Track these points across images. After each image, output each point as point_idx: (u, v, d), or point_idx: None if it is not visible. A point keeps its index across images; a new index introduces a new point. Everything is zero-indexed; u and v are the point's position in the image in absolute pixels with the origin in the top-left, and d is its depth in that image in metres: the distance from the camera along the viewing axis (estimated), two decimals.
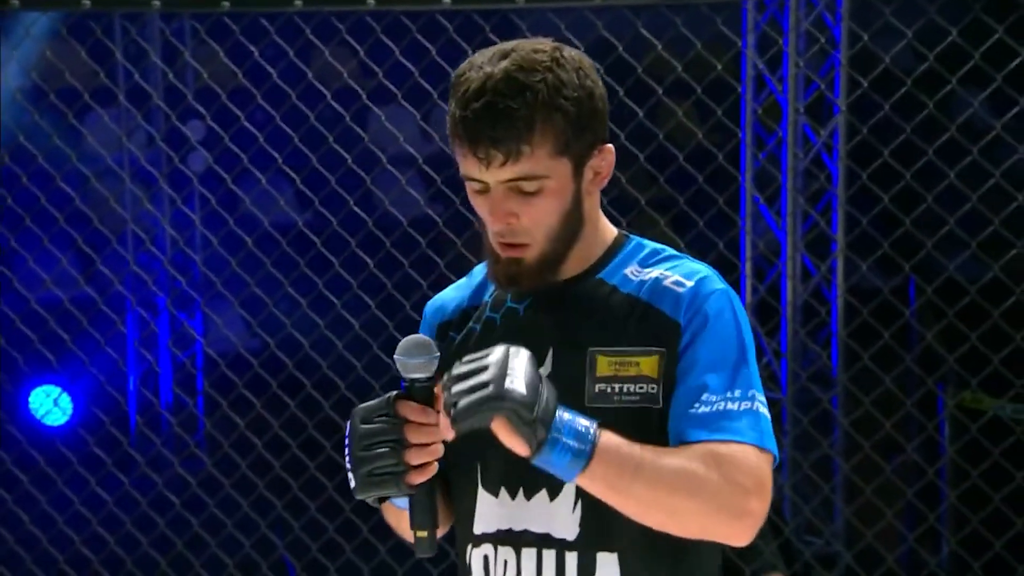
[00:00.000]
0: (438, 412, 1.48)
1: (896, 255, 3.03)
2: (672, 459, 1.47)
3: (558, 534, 1.56)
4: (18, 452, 3.20)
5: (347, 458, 1.51)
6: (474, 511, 1.61)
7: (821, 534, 3.43)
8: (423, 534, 1.52)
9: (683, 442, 1.49)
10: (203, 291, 3.85)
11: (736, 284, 3.22)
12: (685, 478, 1.46)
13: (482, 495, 1.60)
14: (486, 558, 1.61)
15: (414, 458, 1.48)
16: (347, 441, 1.52)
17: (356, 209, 3.14)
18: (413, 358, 1.49)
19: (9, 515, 3.20)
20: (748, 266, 3.28)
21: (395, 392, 1.51)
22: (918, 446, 3.28)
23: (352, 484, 1.51)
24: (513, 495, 1.57)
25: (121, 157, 3.82)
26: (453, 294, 1.69)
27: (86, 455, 3.22)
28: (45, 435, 4.22)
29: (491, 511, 1.60)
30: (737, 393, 1.50)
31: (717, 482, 1.46)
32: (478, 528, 1.61)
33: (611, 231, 1.64)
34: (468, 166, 1.53)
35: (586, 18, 3.05)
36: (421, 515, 1.52)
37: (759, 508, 1.49)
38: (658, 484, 1.46)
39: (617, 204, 3.06)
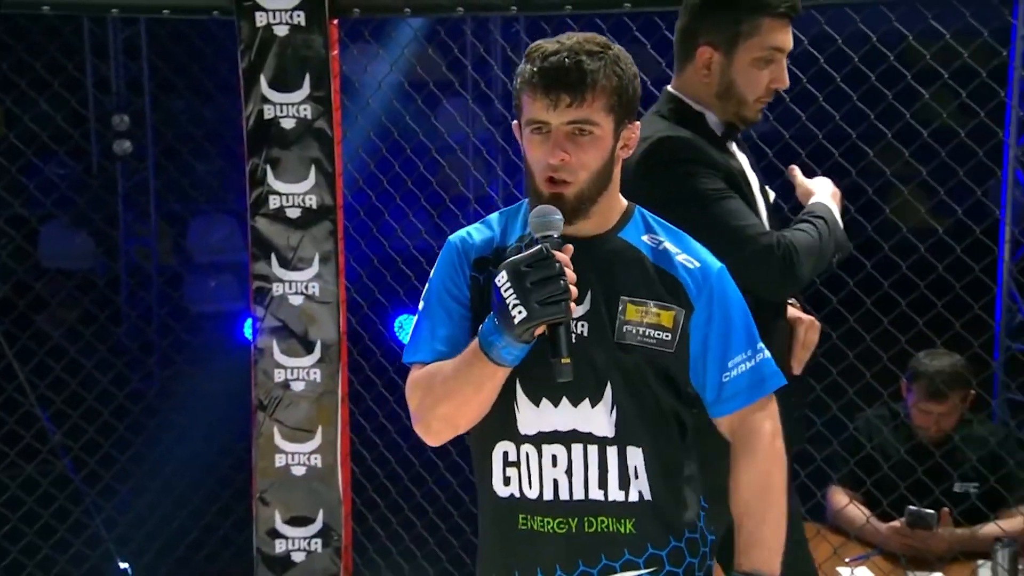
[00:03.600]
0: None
1: None
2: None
3: (600, 432, 1.79)
4: (397, 364, 3.64)
5: (512, 295, 1.67)
6: (514, 414, 1.80)
7: None
8: (567, 360, 1.69)
9: (729, 404, 1.85)
10: None
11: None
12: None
13: (523, 403, 1.80)
14: (529, 455, 1.81)
15: (572, 290, 1.67)
16: (507, 283, 1.68)
17: None
18: (553, 216, 1.71)
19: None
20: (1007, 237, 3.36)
21: (542, 244, 1.69)
22: None
23: (521, 316, 1.66)
24: (556, 403, 1.78)
25: (462, 137, 4.20)
26: (479, 235, 1.87)
27: None
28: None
29: (535, 416, 1.80)
30: (748, 352, 1.86)
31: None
32: (524, 429, 1.80)
33: (624, 201, 1.87)
34: (536, 110, 1.73)
35: (880, 13, 3.05)
36: (568, 344, 1.69)
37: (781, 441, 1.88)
38: None
39: (890, 177, 3.23)
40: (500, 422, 1.83)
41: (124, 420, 3.94)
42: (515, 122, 1.84)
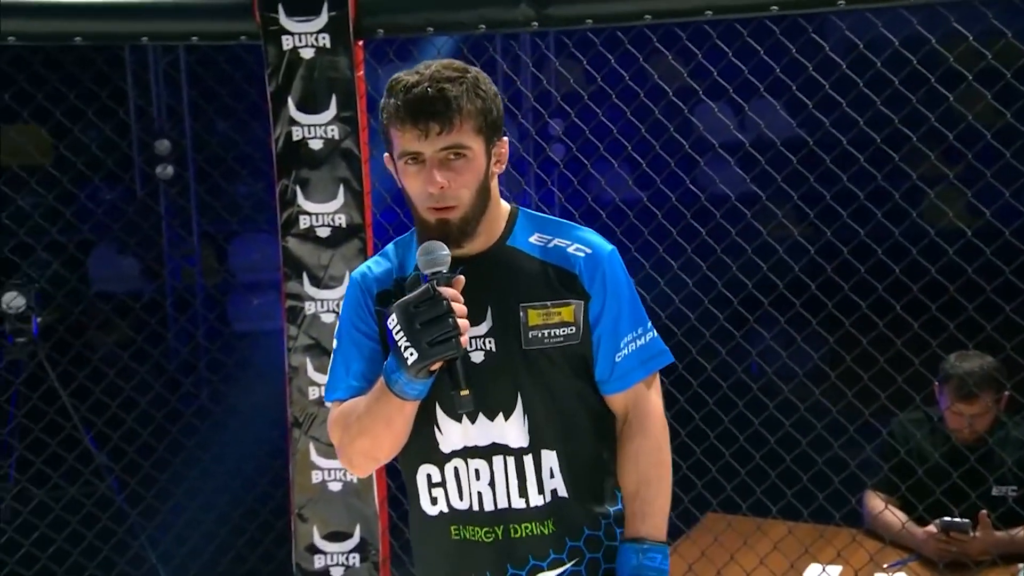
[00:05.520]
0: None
1: None
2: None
3: (515, 443, 1.86)
4: None
5: (403, 338, 1.70)
6: (434, 436, 1.87)
7: None
8: (465, 392, 1.73)
9: (623, 381, 1.89)
10: None
11: None
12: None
13: (444, 423, 1.86)
14: (457, 470, 1.88)
15: (462, 324, 1.71)
16: (397, 327, 1.71)
17: (692, 187, 3.36)
18: (439, 252, 1.75)
19: None
20: None
21: (427, 283, 1.72)
22: None
23: (413, 358, 1.69)
24: (473, 420, 1.85)
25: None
26: (379, 268, 1.93)
27: None
28: None
29: (457, 433, 1.87)
30: (639, 330, 1.90)
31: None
32: (446, 447, 1.87)
33: (506, 206, 1.90)
34: (408, 141, 1.77)
35: (901, 16, 2.95)
36: (465, 376, 1.73)
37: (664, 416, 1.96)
38: None
39: (923, 179, 3.19)
40: (421, 445, 1.89)
41: (169, 437, 3.96)
42: (386, 155, 1.85)
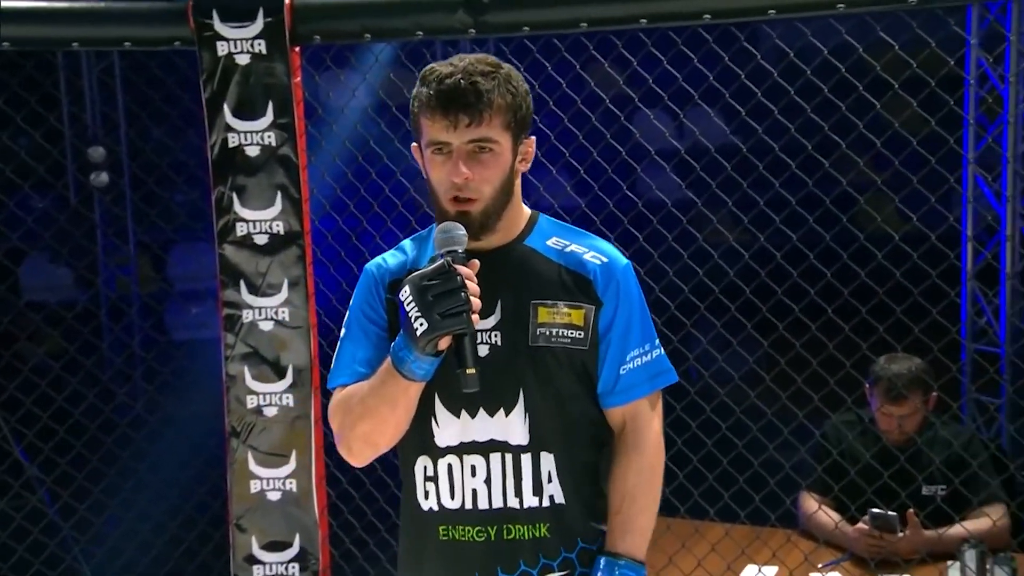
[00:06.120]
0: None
1: None
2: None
3: (514, 441, 1.83)
4: None
5: (414, 308, 1.68)
6: (431, 430, 1.84)
7: None
8: (472, 371, 1.71)
9: (626, 395, 1.87)
10: None
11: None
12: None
13: (442, 416, 1.84)
14: (450, 466, 1.85)
15: (474, 303, 1.69)
16: (409, 298, 1.69)
17: (629, 193, 3.37)
18: (456, 232, 1.73)
19: None
20: (969, 238, 3.39)
21: (444, 259, 1.71)
22: None
23: (423, 328, 1.67)
24: (473, 414, 1.83)
25: None
26: (394, 260, 1.93)
27: None
28: None
29: (455, 428, 1.84)
30: (646, 347, 1.88)
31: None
32: (441, 442, 1.85)
33: (527, 210, 1.91)
34: (436, 131, 1.78)
35: (829, 25, 3.01)
36: (472, 355, 1.71)
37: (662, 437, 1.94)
38: None
39: (854, 185, 3.26)
40: (419, 438, 1.86)
41: (104, 448, 3.88)
42: (414, 144, 1.85)
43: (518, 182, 1.87)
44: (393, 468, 3.44)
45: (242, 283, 3.08)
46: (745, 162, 3.25)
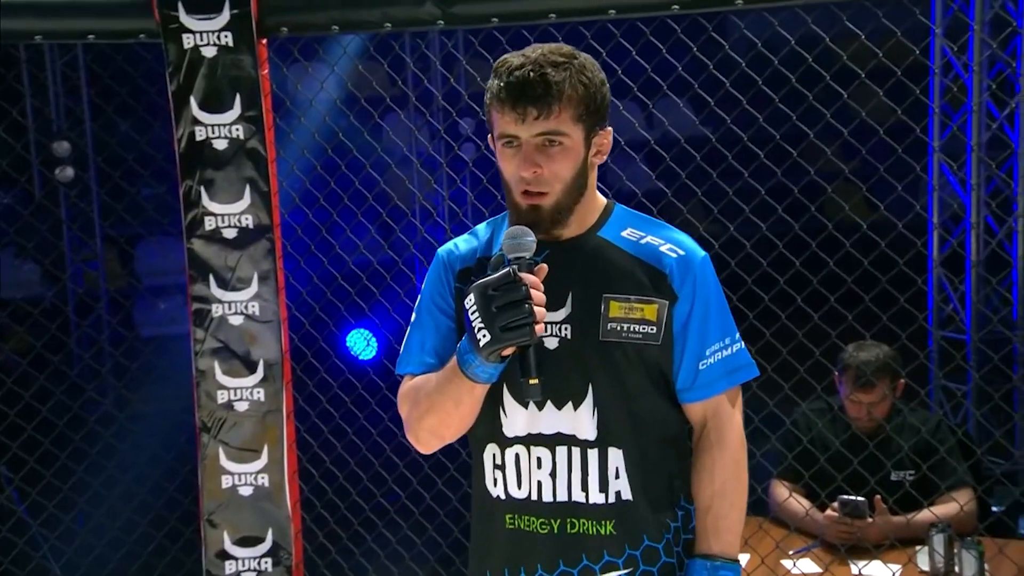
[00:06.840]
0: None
1: None
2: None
3: (582, 435, 1.80)
4: (340, 380, 3.53)
5: (478, 319, 1.66)
6: (499, 418, 1.82)
7: (1010, 456, 3.53)
8: (535, 381, 1.69)
9: (706, 390, 1.83)
10: None
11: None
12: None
13: (510, 406, 1.82)
14: (518, 456, 1.82)
15: (539, 313, 1.66)
16: (473, 306, 1.67)
17: (599, 184, 3.44)
18: (525, 239, 1.70)
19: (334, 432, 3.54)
20: (935, 226, 3.42)
21: (510, 267, 1.67)
22: None
23: (485, 340, 1.65)
24: (541, 407, 1.80)
25: (413, 148, 4.16)
26: (465, 246, 1.90)
27: (392, 384, 3.64)
28: (358, 367, 4.75)
29: (522, 419, 1.81)
30: (726, 340, 1.84)
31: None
32: (509, 432, 1.81)
33: (602, 199, 1.86)
34: (506, 124, 1.74)
35: (797, 15, 3.01)
36: (536, 365, 1.69)
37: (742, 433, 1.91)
38: None
39: (822, 174, 3.27)
40: (488, 425, 1.85)
41: (72, 445, 3.85)
42: (490, 136, 1.82)
43: (593, 174, 1.83)
44: (366, 462, 3.49)
45: (211, 277, 3.06)
46: (714, 152, 3.26)
